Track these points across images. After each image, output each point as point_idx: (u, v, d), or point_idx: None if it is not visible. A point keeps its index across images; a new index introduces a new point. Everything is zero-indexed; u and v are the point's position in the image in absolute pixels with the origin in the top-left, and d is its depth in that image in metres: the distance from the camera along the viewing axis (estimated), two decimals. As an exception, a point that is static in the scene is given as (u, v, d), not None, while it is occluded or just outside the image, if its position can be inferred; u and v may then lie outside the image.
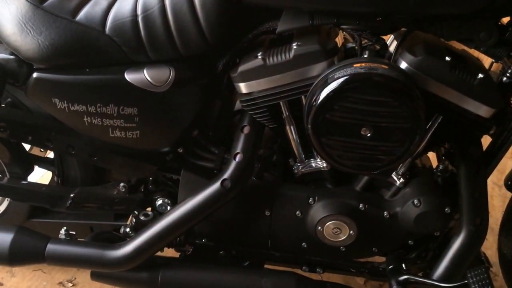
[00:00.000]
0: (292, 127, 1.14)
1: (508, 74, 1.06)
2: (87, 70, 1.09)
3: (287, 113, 1.12)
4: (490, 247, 1.60)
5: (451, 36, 1.01)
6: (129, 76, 1.09)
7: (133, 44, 1.07)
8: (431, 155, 1.26)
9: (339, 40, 1.12)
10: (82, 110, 1.11)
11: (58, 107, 1.11)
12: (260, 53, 1.07)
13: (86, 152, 1.24)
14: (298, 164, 1.21)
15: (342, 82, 0.96)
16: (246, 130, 1.17)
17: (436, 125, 1.06)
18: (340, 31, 1.14)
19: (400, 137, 0.99)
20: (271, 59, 1.06)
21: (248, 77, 1.09)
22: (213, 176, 1.20)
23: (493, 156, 1.14)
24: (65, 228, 1.25)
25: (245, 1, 1.04)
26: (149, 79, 1.09)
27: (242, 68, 1.09)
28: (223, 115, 1.26)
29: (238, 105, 1.24)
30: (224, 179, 1.15)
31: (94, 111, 1.11)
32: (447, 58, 1.00)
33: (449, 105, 1.02)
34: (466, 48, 1.08)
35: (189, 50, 1.09)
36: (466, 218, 1.11)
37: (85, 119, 1.13)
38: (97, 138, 1.18)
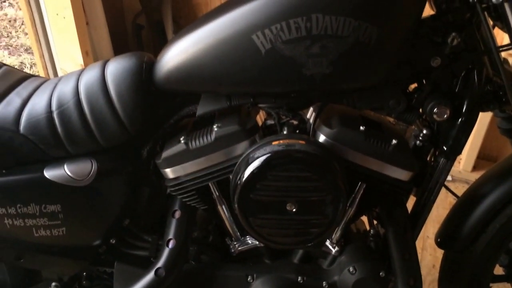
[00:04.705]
0: (223, 206, 1.14)
1: (420, 138, 1.10)
2: (4, 171, 1.06)
3: (217, 194, 1.12)
4: (436, 299, 1.61)
5: (363, 106, 1.05)
6: (48, 173, 1.06)
7: (50, 140, 1.06)
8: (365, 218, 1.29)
9: (260, 117, 1.15)
10: (2, 213, 1.07)
11: None
12: (183, 137, 1.07)
13: (12, 255, 1.18)
14: (235, 243, 1.20)
15: (262, 161, 0.97)
16: (177, 214, 1.16)
17: (361, 191, 1.08)
18: (260, 109, 1.17)
19: (324, 209, 1.00)
20: (193, 142, 1.07)
21: (172, 162, 1.09)
22: (149, 264, 1.16)
23: (419, 216, 1.17)
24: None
25: (162, 88, 1.05)
26: (70, 174, 1.07)
27: (166, 154, 1.09)
28: (153, 202, 1.24)
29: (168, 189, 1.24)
30: (158, 268, 1.13)
31: (15, 212, 1.07)
32: (362, 128, 1.04)
33: (369, 172, 1.05)
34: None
35: (109, 141, 1.08)
36: (400, 280, 1.13)
37: (6, 221, 1.08)
38: (21, 239, 1.13)
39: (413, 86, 1.09)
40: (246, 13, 0.94)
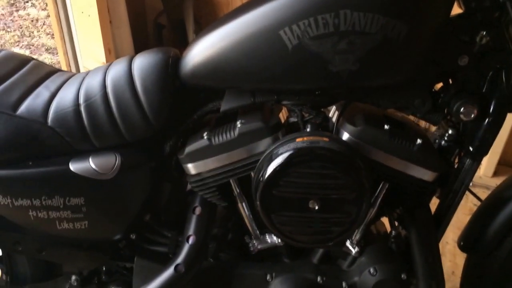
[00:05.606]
0: (244, 204, 1.13)
1: (446, 138, 1.09)
2: (30, 163, 1.07)
3: (238, 191, 1.12)
4: (457, 306, 1.58)
5: (387, 105, 1.04)
6: (73, 166, 1.07)
7: (76, 133, 1.07)
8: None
9: (283, 114, 1.15)
10: (26, 205, 1.08)
11: (1, 203, 1.08)
12: (206, 133, 1.07)
13: (34, 248, 1.19)
14: (254, 241, 1.20)
15: (286, 158, 0.97)
16: (197, 211, 1.16)
17: (384, 191, 1.07)
18: (284, 106, 1.17)
19: (347, 207, 0.99)
20: (216, 138, 1.07)
21: (195, 157, 1.09)
22: (168, 260, 1.16)
23: (442, 218, 1.15)
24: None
25: (188, 84, 1.06)
26: (94, 167, 1.07)
27: (188, 149, 1.09)
28: (174, 197, 1.25)
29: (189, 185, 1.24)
30: (178, 264, 1.13)
31: (39, 205, 1.08)
32: (386, 126, 1.03)
33: (393, 172, 1.04)
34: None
35: (134, 135, 1.09)
36: (423, 283, 1.11)
37: (31, 213, 1.09)
38: (44, 232, 1.14)
39: (439, 85, 1.08)
40: (274, 8, 0.93)
